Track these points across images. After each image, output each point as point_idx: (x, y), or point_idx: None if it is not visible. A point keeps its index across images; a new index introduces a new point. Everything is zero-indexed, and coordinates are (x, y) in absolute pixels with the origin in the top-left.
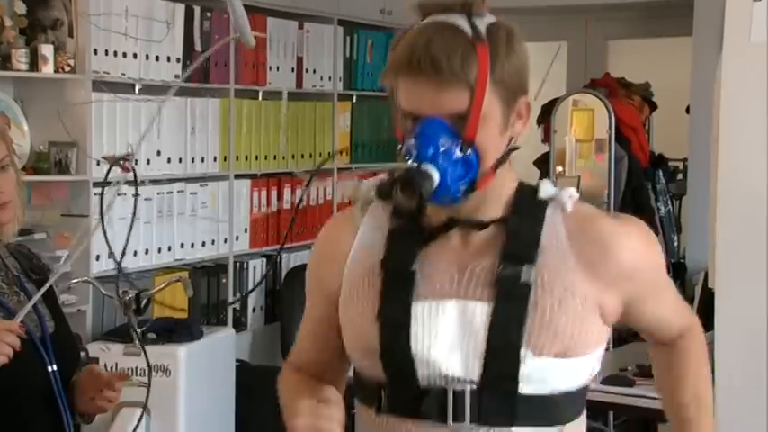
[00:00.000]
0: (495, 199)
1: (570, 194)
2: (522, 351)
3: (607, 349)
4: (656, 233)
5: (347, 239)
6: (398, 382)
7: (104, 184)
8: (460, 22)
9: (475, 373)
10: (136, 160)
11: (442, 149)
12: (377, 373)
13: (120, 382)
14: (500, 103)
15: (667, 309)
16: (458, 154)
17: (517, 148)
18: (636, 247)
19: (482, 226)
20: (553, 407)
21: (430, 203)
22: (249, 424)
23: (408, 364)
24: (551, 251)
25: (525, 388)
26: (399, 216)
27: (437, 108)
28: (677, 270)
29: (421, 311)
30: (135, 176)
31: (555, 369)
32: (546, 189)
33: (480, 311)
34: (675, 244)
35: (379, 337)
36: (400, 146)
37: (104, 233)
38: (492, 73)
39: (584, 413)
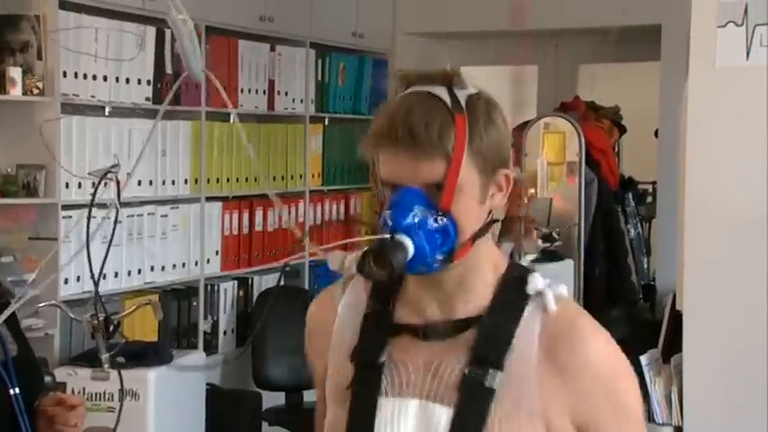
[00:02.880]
0: (480, 279)
1: (559, 293)
2: None
3: None
4: (626, 255)
5: (330, 322)
6: None
7: (90, 204)
8: (440, 92)
9: None
10: (105, 183)
11: (416, 219)
12: None
13: (81, 407)
14: (478, 174)
15: None
16: (433, 223)
17: (497, 221)
18: (603, 354)
19: (455, 328)
20: None
21: (406, 273)
22: None
23: None
24: (520, 357)
25: None
26: (376, 297)
27: (414, 178)
28: (647, 292)
29: (385, 409)
30: (118, 189)
31: None
32: (534, 284)
33: (442, 416)
34: (645, 266)
35: (346, 430)
36: (379, 214)
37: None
38: (470, 144)
39: None
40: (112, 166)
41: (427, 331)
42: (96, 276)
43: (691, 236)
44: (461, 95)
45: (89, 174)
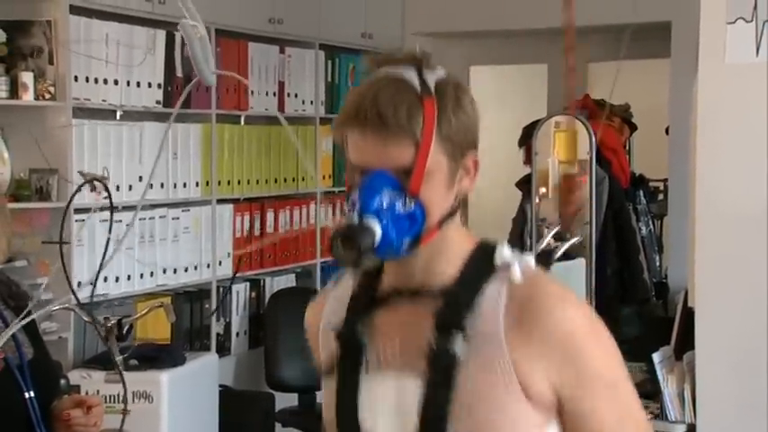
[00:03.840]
0: (446, 260)
1: (525, 264)
2: (448, 430)
3: None
4: (638, 253)
5: (324, 315)
6: None
7: (75, 206)
8: (410, 75)
9: None
10: (117, 187)
11: (385, 203)
12: None
13: (99, 407)
14: (446, 159)
15: (612, 427)
16: (401, 208)
17: (461, 206)
18: (573, 317)
19: (419, 293)
20: None
21: (373, 258)
22: None
23: None
24: (485, 323)
25: None
26: (359, 283)
27: (383, 161)
28: (659, 290)
29: (367, 385)
30: (110, 199)
31: None
32: (501, 256)
33: (413, 388)
34: (657, 264)
35: (335, 410)
36: (347, 199)
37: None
38: (438, 128)
39: None
40: (102, 177)
41: (399, 293)
42: (95, 277)
43: (702, 233)
44: (431, 79)
45: (79, 172)
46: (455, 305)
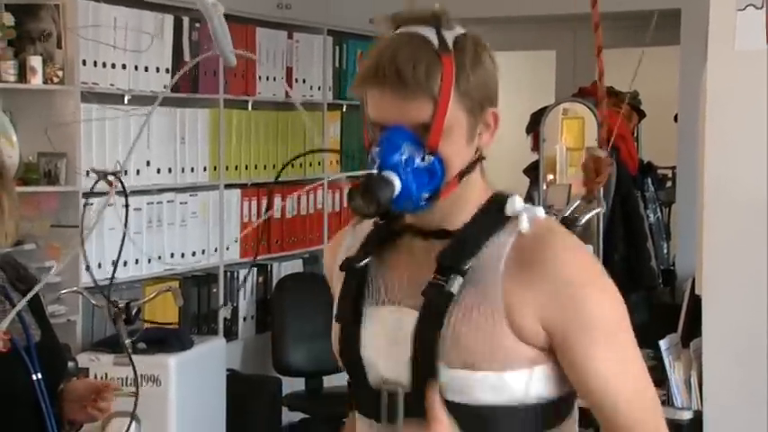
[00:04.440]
0: (461, 211)
1: (534, 215)
2: (439, 361)
3: None
4: (646, 240)
5: (341, 253)
6: (356, 383)
7: (90, 194)
8: (428, 33)
9: (405, 378)
10: (125, 171)
11: (404, 157)
12: (347, 375)
13: (111, 393)
14: (465, 114)
15: (612, 375)
16: (420, 162)
17: (483, 158)
18: (575, 263)
19: (432, 234)
20: (491, 421)
21: (392, 210)
22: None
23: (359, 366)
24: (485, 267)
25: (451, 396)
26: (378, 222)
27: (402, 118)
28: (667, 277)
29: (369, 317)
30: (124, 190)
31: (470, 381)
32: (512, 206)
33: (409, 320)
34: (665, 251)
35: (338, 339)
36: (368, 154)
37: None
38: (457, 84)
39: None
40: (116, 171)
41: (408, 232)
42: (114, 264)
43: (710, 220)
44: (449, 36)
45: (92, 170)
46: (459, 248)
